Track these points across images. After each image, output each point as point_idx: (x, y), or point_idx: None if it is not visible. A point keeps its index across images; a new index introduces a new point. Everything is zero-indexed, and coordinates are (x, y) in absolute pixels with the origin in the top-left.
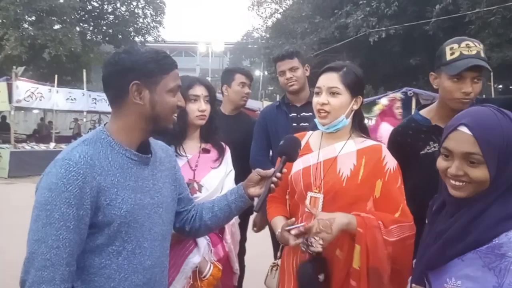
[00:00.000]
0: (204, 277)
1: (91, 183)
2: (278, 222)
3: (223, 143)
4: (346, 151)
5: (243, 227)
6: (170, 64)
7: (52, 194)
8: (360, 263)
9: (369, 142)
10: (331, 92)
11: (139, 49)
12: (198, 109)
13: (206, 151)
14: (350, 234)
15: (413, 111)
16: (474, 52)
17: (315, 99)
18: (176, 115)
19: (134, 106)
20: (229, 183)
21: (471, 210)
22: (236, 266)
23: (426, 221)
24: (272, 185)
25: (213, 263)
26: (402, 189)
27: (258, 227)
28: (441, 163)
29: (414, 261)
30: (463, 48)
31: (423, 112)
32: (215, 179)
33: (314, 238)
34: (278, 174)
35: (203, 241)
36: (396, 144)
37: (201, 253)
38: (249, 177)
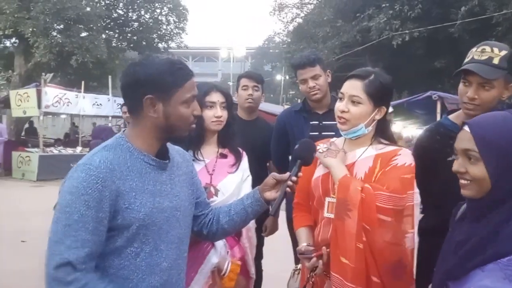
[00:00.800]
0: (224, 274)
1: (111, 187)
2: (302, 235)
3: (240, 149)
4: (365, 156)
5: (259, 231)
6: (186, 75)
7: (72, 197)
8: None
9: (390, 148)
10: (352, 101)
11: (153, 61)
12: (214, 115)
13: (223, 156)
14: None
15: (438, 115)
16: (484, 58)
17: (337, 104)
18: (194, 123)
19: (149, 117)
20: (246, 189)
21: (492, 220)
22: (252, 270)
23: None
24: (288, 189)
25: (231, 259)
26: (405, 182)
27: (268, 231)
28: (453, 164)
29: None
30: (477, 53)
31: (452, 117)
32: (231, 183)
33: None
34: (294, 178)
35: (220, 242)
36: (422, 150)
37: (219, 254)
38: (265, 181)
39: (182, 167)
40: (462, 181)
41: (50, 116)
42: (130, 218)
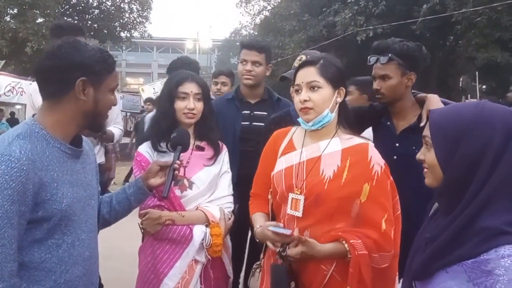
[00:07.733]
0: (208, 244)
1: (33, 179)
2: (258, 218)
3: (220, 142)
4: (331, 150)
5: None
6: (113, 63)
7: None
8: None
9: (356, 140)
10: (311, 87)
11: (85, 46)
12: (186, 107)
13: (200, 148)
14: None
15: None
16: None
17: (296, 98)
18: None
19: (76, 102)
20: (224, 184)
21: (459, 215)
22: (230, 269)
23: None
24: (176, 172)
25: (209, 224)
26: (389, 193)
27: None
28: None
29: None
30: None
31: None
32: (207, 176)
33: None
34: (178, 162)
35: (198, 235)
36: None
37: (196, 247)
38: (148, 169)
39: (90, 155)
40: (424, 170)
41: (3, 107)
42: (52, 210)
